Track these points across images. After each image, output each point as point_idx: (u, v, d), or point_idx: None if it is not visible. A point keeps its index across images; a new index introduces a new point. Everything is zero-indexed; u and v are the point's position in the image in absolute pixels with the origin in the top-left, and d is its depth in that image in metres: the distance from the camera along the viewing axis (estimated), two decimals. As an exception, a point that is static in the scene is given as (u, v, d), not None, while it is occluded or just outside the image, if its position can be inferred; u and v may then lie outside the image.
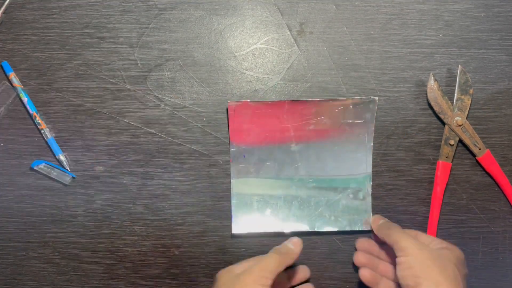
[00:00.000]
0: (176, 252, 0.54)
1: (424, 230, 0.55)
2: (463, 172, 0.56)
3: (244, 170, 0.54)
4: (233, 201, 0.54)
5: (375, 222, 0.53)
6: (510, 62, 0.57)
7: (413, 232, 0.51)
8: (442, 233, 0.55)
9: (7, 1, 0.54)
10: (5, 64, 0.54)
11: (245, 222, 0.54)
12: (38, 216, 0.54)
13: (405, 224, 0.55)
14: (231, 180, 0.54)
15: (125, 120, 0.55)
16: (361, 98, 0.54)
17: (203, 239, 0.54)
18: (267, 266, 0.45)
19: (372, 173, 0.55)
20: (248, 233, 0.54)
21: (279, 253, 0.47)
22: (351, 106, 0.54)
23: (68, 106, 0.54)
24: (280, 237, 0.53)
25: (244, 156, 0.54)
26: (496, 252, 0.56)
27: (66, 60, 0.55)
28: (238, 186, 0.54)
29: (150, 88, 0.55)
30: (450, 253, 0.47)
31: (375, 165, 0.55)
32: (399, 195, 0.55)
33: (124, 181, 0.54)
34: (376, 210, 0.55)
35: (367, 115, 0.54)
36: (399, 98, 0.56)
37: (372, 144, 0.55)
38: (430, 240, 0.49)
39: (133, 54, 0.55)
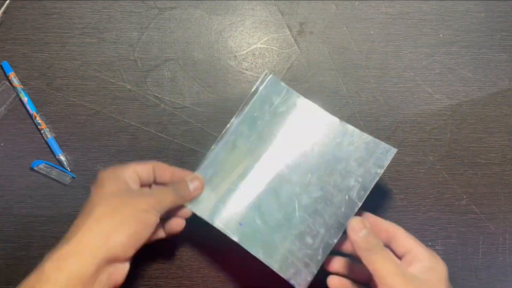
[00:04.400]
0: (176, 252, 0.54)
1: (424, 229, 0.55)
2: (463, 172, 0.56)
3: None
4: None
5: (355, 231, 0.41)
6: (510, 62, 0.57)
7: (400, 239, 0.45)
8: (442, 233, 0.55)
9: (7, 1, 0.54)
10: (5, 64, 0.54)
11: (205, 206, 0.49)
12: (38, 216, 0.53)
13: (405, 224, 0.55)
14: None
15: (125, 120, 0.55)
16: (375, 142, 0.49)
17: (203, 239, 0.54)
18: (162, 201, 0.44)
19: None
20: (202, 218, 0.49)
21: (177, 194, 0.46)
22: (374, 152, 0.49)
23: (68, 106, 0.54)
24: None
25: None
26: (496, 252, 0.56)
27: (66, 60, 0.55)
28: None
29: (150, 88, 0.55)
30: (436, 276, 0.42)
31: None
32: (399, 195, 0.55)
33: (124, 181, 0.54)
34: (376, 210, 0.55)
35: (384, 165, 0.48)
36: (399, 98, 0.56)
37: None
38: (417, 254, 0.43)
39: (133, 54, 0.55)
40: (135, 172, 0.45)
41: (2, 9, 0.54)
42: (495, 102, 0.57)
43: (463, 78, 0.57)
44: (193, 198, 0.48)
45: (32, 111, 0.54)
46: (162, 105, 0.55)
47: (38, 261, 0.37)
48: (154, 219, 0.43)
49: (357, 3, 0.57)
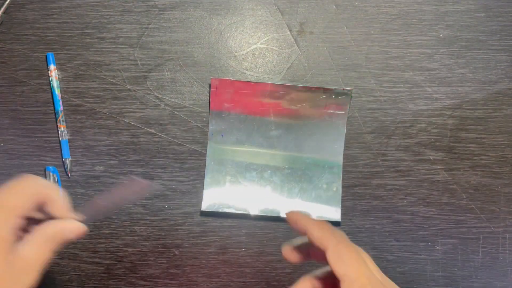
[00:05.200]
0: (176, 252, 0.54)
1: (424, 229, 0.55)
2: (463, 172, 0.56)
3: (220, 149, 0.55)
4: (206, 179, 0.54)
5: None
6: (510, 62, 0.57)
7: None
8: (442, 233, 0.55)
9: (7, 1, 0.54)
10: (50, 55, 0.54)
11: (215, 201, 0.54)
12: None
13: (406, 224, 0.55)
14: (207, 158, 0.54)
15: (125, 120, 0.55)
16: (343, 89, 0.54)
17: (203, 239, 0.54)
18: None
19: (372, 173, 0.55)
20: (217, 212, 0.54)
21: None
22: (333, 96, 0.54)
23: (68, 106, 0.54)
24: (249, 219, 0.54)
25: (222, 135, 0.54)
26: (496, 252, 0.56)
27: (66, 60, 0.55)
28: (213, 165, 0.54)
29: (150, 88, 0.55)
30: None
31: (375, 165, 0.55)
32: (399, 195, 0.55)
33: (124, 181, 0.54)
34: (376, 210, 0.55)
35: (347, 106, 0.55)
36: (399, 98, 0.56)
37: (345, 133, 0.55)
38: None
39: (133, 54, 0.55)
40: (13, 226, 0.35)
41: (2, 9, 0.54)
42: (495, 102, 0.57)
43: (463, 78, 0.57)
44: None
45: (57, 108, 0.54)
46: (162, 105, 0.55)
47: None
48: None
49: (357, 3, 0.57)
